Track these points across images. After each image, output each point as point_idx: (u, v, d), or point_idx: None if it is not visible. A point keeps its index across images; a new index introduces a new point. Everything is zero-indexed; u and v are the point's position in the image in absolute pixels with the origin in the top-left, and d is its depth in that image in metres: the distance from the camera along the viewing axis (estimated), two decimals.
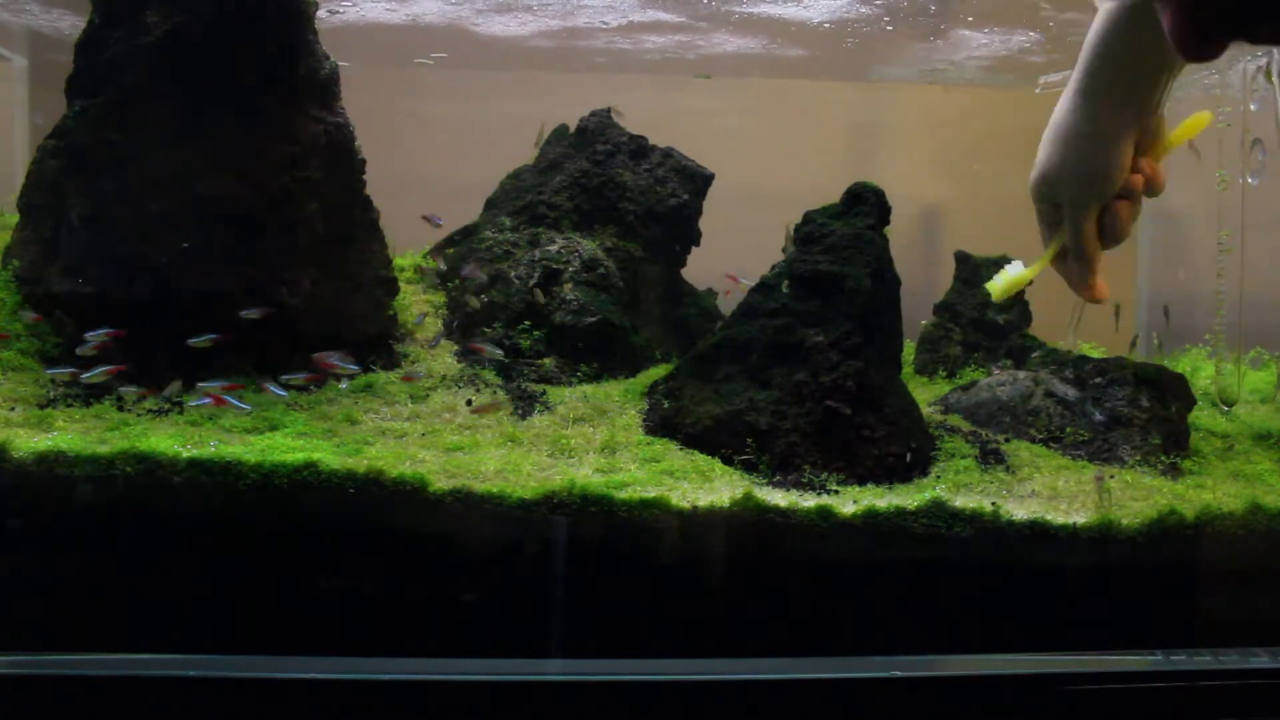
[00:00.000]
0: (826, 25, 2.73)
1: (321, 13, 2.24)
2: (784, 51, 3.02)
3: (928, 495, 1.78)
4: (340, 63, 2.26)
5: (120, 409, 1.92)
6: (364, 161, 2.28)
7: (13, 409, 1.88)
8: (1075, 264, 1.67)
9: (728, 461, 1.95)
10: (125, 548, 1.67)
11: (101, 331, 1.92)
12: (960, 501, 1.79)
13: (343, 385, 2.01)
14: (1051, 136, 1.68)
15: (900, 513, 1.75)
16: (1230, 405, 2.54)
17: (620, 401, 2.19)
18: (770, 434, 1.96)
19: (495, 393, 2.19)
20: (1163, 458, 2.12)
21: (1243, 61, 2.47)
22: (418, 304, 2.52)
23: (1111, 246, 1.74)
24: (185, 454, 1.69)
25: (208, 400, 1.89)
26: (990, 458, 2.06)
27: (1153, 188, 1.66)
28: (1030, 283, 1.69)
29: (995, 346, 2.71)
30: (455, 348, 2.40)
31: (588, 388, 2.28)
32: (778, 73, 3.31)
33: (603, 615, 1.71)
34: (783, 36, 2.89)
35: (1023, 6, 2.63)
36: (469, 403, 2.12)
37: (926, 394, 2.43)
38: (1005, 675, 1.70)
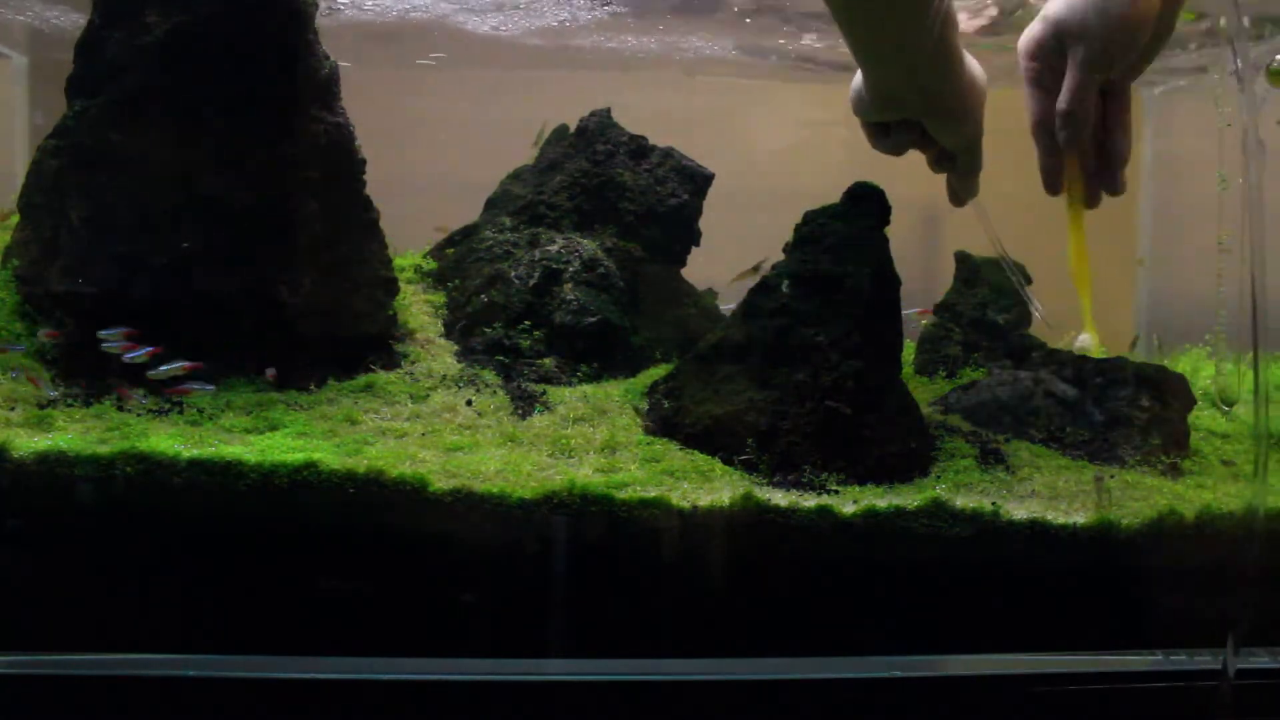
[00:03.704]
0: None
1: (322, 8, 2.24)
2: (785, 49, 3.02)
3: (928, 495, 1.78)
4: (341, 62, 2.26)
5: (120, 409, 1.92)
6: (364, 161, 2.28)
7: (13, 409, 1.88)
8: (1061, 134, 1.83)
9: (728, 461, 1.95)
10: (125, 547, 1.67)
11: (119, 329, 1.95)
12: (960, 501, 1.79)
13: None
14: None
15: (900, 512, 1.75)
16: (1230, 405, 2.54)
17: (620, 401, 2.19)
18: (770, 434, 1.96)
19: (495, 392, 2.19)
20: (1163, 458, 2.12)
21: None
22: (418, 304, 2.52)
23: (1117, 167, 1.90)
24: (185, 454, 1.69)
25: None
26: (990, 458, 2.06)
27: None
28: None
29: (995, 346, 2.71)
30: (455, 347, 2.40)
31: (588, 388, 2.28)
32: (778, 71, 3.31)
33: (603, 614, 1.71)
34: (783, 32, 2.89)
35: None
36: (469, 403, 2.12)
37: (926, 394, 2.43)
38: (1005, 675, 1.71)
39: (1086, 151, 1.92)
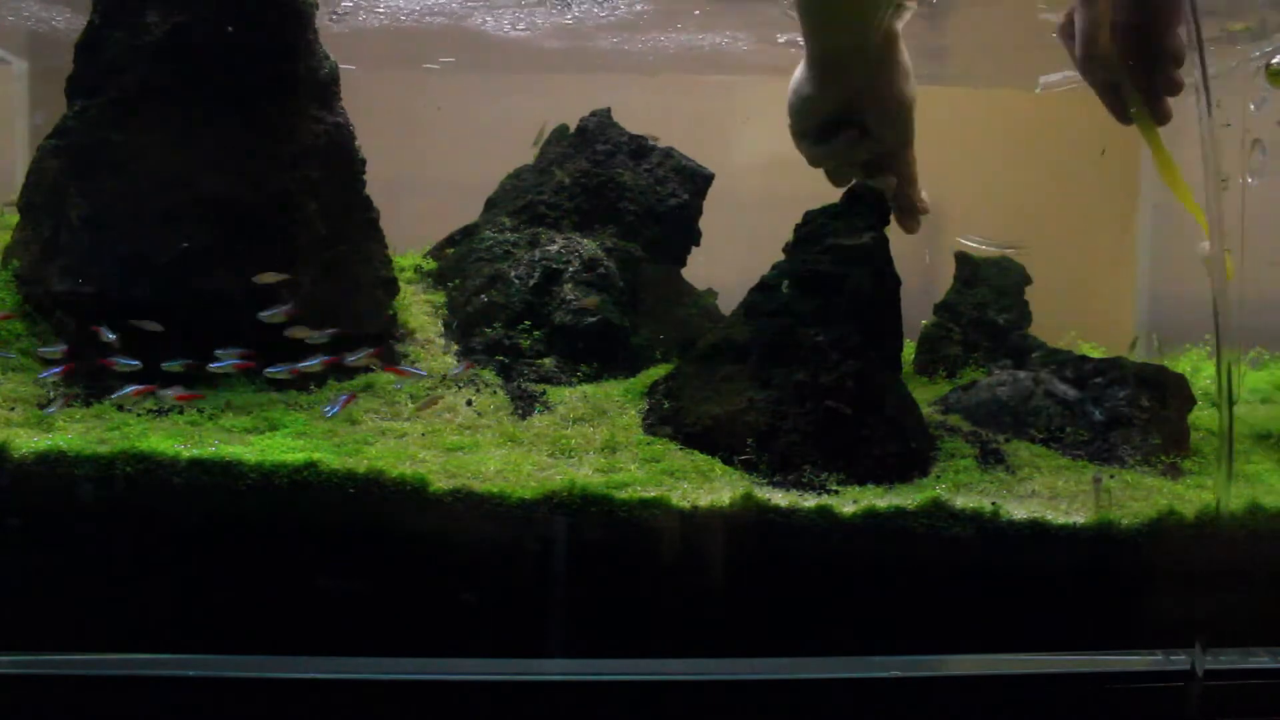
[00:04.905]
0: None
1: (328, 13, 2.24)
2: (784, 49, 3.02)
3: (928, 495, 1.78)
4: (343, 65, 2.26)
5: (120, 409, 1.92)
6: (364, 161, 2.28)
7: (13, 409, 1.88)
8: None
9: (728, 461, 1.95)
10: (125, 547, 1.67)
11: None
12: (960, 501, 1.79)
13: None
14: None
15: (900, 512, 1.75)
16: (1230, 405, 2.54)
17: (620, 401, 2.19)
18: (770, 434, 1.96)
19: (495, 392, 2.19)
20: (1163, 458, 2.13)
21: (1243, 59, 2.46)
22: (417, 304, 2.52)
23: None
24: (185, 454, 1.69)
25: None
26: (990, 458, 2.06)
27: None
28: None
29: (995, 346, 2.71)
30: (455, 347, 2.40)
31: (588, 388, 2.28)
32: (778, 71, 3.30)
33: (603, 615, 1.71)
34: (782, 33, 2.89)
35: (1021, 5, 2.63)
36: (469, 403, 2.12)
37: (926, 394, 2.43)
38: (1005, 675, 1.71)
39: (1135, 73, 1.92)
